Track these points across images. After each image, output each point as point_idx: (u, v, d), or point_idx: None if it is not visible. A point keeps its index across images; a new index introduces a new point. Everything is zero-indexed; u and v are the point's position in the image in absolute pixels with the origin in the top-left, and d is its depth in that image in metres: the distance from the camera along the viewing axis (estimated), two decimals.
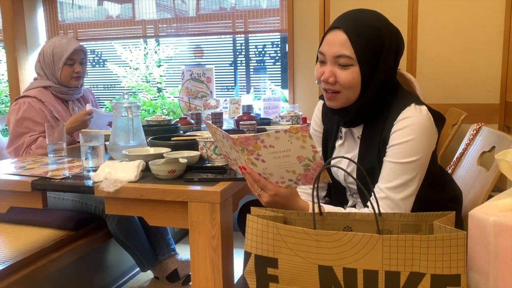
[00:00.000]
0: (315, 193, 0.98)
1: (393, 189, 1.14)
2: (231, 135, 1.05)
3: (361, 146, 1.24)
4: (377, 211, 0.95)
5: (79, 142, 1.48)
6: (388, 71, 1.16)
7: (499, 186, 1.98)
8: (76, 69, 2.19)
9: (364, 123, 1.23)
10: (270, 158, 1.05)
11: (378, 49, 1.14)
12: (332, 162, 1.30)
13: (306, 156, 1.03)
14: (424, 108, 1.16)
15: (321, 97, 1.29)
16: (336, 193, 1.37)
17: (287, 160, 1.05)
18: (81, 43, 2.24)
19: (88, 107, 2.13)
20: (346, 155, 1.26)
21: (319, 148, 1.38)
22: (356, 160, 1.23)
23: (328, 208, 1.13)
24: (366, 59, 1.13)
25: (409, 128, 1.13)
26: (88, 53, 2.30)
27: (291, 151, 1.03)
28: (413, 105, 1.15)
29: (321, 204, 1.06)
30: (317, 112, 1.40)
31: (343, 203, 1.34)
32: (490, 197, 1.19)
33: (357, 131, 1.26)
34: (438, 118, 1.18)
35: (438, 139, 1.21)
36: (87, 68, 2.35)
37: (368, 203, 1.15)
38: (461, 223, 1.30)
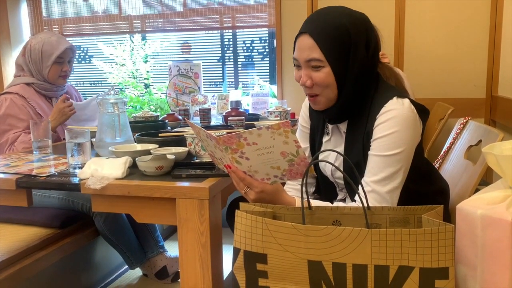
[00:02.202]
0: (304, 188, 0.98)
1: (379, 182, 1.14)
2: (214, 135, 1.04)
3: (346, 141, 1.25)
4: (365, 205, 0.95)
5: (64, 139, 1.46)
6: (362, 63, 1.16)
7: (485, 179, 2.00)
8: (64, 68, 2.17)
9: (348, 118, 1.24)
10: (254, 156, 1.04)
11: (346, 45, 1.14)
12: (320, 156, 1.30)
13: (289, 151, 1.03)
14: (406, 100, 1.16)
15: None
16: (325, 189, 1.37)
17: (271, 156, 1.04)
18: (68, 40, 2.21)
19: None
20: None
21: (307, 144, 1.38)
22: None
23: (316, 203, 1.13)
24: (336, 58, 1.13)
25: (392, 121, 1.13)
26: None
27: (274, 147, 1.03)
28: (395, 98, 1.16)
29: (309, 199, 1.06)
30: (304, 109, 1.40)
31: (332, 199, 1.34)
32: (477, 190, 1.20)
33: (343, 127, 1.26)
34: (421, 110, 1.18)
35: (423, 132, 1.21)
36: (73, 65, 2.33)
37: (356, 197, 1.15)
38: (448, 216, 1.31)
